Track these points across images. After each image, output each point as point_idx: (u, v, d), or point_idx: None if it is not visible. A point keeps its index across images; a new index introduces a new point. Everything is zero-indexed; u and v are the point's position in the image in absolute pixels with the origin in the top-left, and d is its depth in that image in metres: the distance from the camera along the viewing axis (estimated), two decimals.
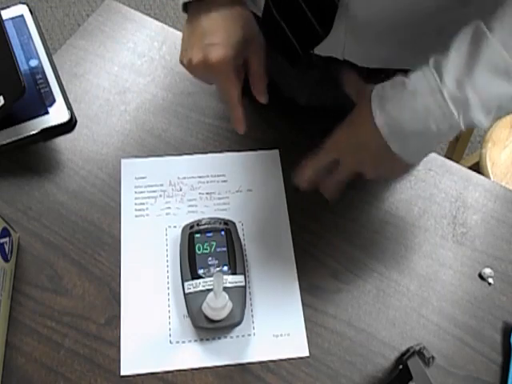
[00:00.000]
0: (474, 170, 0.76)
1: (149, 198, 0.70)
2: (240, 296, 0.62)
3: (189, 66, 0.55)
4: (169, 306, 0.63)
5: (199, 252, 0.64)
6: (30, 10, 0.81)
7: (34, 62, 0.76)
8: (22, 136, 0.71)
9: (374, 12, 0.55)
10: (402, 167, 0.58)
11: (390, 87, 0.52)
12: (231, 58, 0.53)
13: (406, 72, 0.53)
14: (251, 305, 0.64)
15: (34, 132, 0.71)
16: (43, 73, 0.76)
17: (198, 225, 0.65)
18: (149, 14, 0.86)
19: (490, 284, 0.66)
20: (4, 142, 0.70)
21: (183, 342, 0.62)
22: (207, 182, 0.72)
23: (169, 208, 0.70)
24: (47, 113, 0.73)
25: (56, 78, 0.76)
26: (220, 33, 0.52)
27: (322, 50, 0.61)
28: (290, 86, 0.75)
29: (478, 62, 0.47)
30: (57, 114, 0.73)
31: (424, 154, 0.57)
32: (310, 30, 0.56)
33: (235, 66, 0.54)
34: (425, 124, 0.50)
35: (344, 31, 0.58)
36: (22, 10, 0.81)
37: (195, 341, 0.62)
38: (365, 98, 0.54)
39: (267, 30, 0.58)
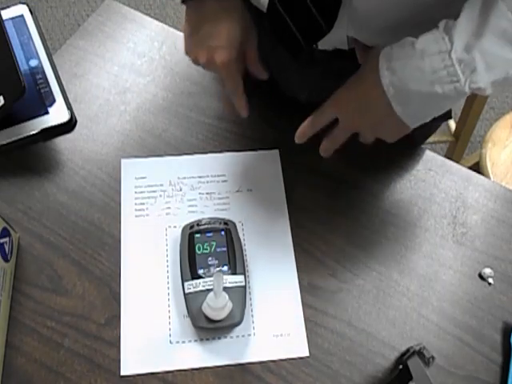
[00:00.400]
0: (474, 170, 0.76)
1: (149, 198, 0.70)
2: (240, 296, 0.62)
3: (195, 62, 0.61)
4: (169, 306, 0.63)
5: (199, 252, 0.64)
6: (30, 10, 0.81)
7: (34, 62, 0.76)
8: (21, 136, 0.71)
9: (375, 5, 0.55)
10: (400, 130, 0.58)
11: (399, 46, 0.52)
12: (235, 59, 0.58)
13: None
14: (251, 305, 0.64)
15: (33, 132, 0.71)
16: (43, 73, 0.75)
17: (198, 225, 0.65)
18: (149, 14, 0.86)
19: (489, 284, 0.66)
20: (4, 142, 0.70)
21: (183, 342, 0.62)
22: (207, 182, 0.72)
23: (169, 208, 0.70)
24: (47, 113, 0.73)
25: (56, 78, 0.76)
26: (223, 36, 0.57)
27: (325, 43, 0.62)
28: (291, 81, 0.75)
29: (487, 27, 0.47)
30: (57, 114, 0.73)
31: (425, 117, 0.56)
32: (313, 25, 0.56)
33: (238, 63, 0.59)
34: (430, 85, 0.50)
35: (346, 25, 0.58)
36: (22, 10, 0.81)
37: (195, 341, 0.62)
38: (372, 57, 0.55)
39: (271, 23, 0.59)
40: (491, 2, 0.47)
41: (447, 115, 0.75)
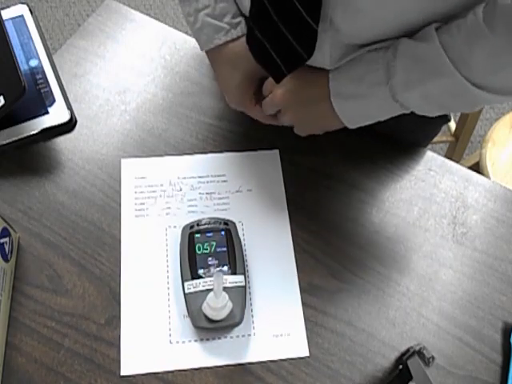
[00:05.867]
0: (474, 170, 0.76)
1: (149, 198, 0.70)
2: (240, 296, 0.62)
3: None
4: (169, 306, 0.64)
5: (199, 252, 0.64)
6: (30, 10, 0.81)
7: (34, 62, 0.76)
8: (21, 136, 0.71)
9: (359, 25, 0.54)
10: (332, 126, 0.63)
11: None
12: (233, 99, 0.67)
13: None
14: (251, 305, 0.64)
15: (34, 132, 0.71)
16: (43, 73, 0.75)
17: (198, 225, 0.66)
18: (149, 14, 0.86)
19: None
20: (4, 142, 0.70)
21: (183, 342, 0.62)
22: (207, 181, 0.72)
23: (169, 208, 0.70)
24: (47, 113, 0.73)
25: (56, 78, 0.76)
26: (221, 82, 0.68)
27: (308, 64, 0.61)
28: None
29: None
30: (57, 114, 0.73)
31: (360, 119, 0.61)
32: (292, 53, 0.57)
33: (246, 96, 0.66)
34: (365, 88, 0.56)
35: (329, 47, 0.57)
36: (22, 10, 0.81)
37: (195, 341, 0.62)
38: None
39: (252, 48, 0.60)
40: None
41: (444, 119, 0.76)
